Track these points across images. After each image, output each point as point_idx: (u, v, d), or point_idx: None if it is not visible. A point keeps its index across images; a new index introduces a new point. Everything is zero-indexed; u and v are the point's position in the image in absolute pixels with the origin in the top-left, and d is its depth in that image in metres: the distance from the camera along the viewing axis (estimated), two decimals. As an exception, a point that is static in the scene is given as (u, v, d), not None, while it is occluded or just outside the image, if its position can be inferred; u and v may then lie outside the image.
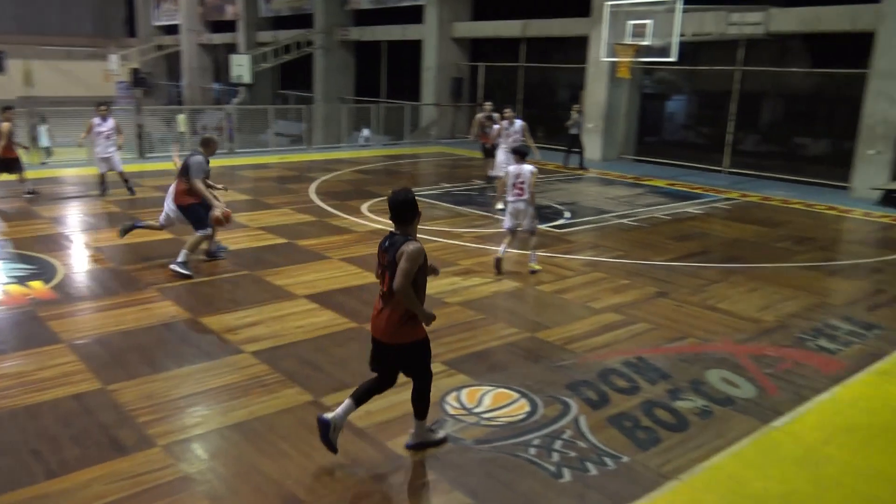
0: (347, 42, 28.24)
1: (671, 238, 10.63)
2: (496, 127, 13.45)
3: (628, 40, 15.29)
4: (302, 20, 29.54)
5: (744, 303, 7.69)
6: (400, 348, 4.35)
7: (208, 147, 8.22)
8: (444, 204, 12.69)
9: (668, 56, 14.70)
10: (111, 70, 37.38)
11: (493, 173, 12.78)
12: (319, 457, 4.45)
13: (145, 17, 42.60)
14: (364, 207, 12.18)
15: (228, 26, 34.55)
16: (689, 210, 12.92)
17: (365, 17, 27.63)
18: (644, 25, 14.90)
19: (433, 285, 7.89)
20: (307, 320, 6.82)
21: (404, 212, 4.24)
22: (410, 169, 18.26)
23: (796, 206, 13.57)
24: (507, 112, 12.70)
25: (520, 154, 8.69)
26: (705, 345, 6.48)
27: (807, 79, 17.07)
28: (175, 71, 40.92)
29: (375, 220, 11.24)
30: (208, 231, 8.19)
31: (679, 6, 14.25)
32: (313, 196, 13.08)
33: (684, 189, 15.22)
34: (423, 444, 4.61)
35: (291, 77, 31.25)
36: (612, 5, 15.46)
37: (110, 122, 12.57)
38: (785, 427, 5.01)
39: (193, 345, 6.19)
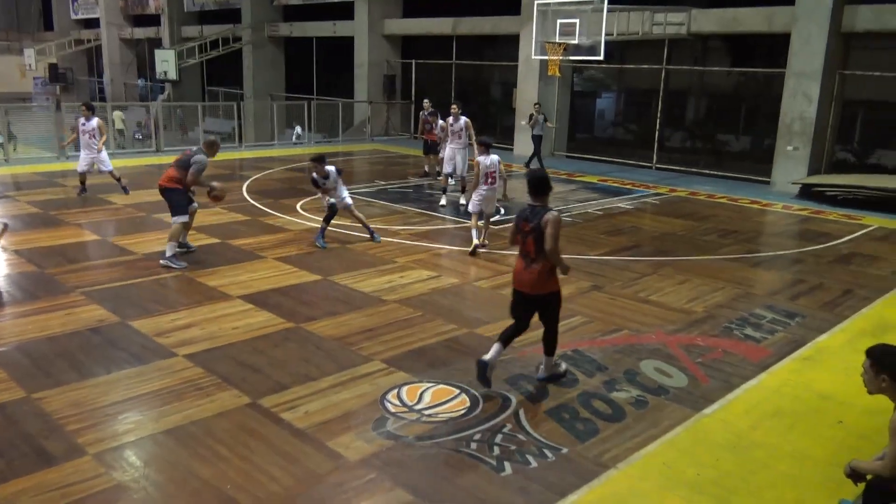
0: (277, 38, 27.78)
1: (604, 233, 10.86)
2: (441, 123, 13.49)
3: (557, 39, 15.53)
4: (229, 15, 28.90)
5: (674, 295, 7.92)
6: (543, 297, 5.31)
7: (212, 148, 8.55)
8: (380, 202, 12.63)
9: (596, 55, 15.00)
10: (27, 65, 35.75)
11: (446, 170, 12.81)
12: (259, 459, 4.37)
13: (62, 10, 40.84)
14: (298, 206, 12.01)
15: (152, 20, 33.49)
16: (621, 205, 13.23)
17: (294, 13, 27.24)
18: (572, 25, 15.17)
19: (370, 283, 7.91)
20: (243, 321, 6.68)
21: (542, 187, 5.26)
22: (345, 166, 18.02)
23: (721, 200, 14.06)
24: (453, 108, 12.75)
25: (485, 145, 9.38)
26: (639, 336, 6.65)
27: (729, 78, 17.72)
28: (96, 66, 39.42)
29: (310, 218, 11.10)
30: (185, 218, 8.39)
31: (605, 6, 14.55)
32: (246, 195, 12.82)
33: (615, 185, 15.57)
34: (552, 377, 5.58)
35: (220, 73, 30.54)
36: (540, 4, 15.67)
37: (93, 122, 12.24)
38: (715, 414, 5.19)
39: (123, 349, 5.99)
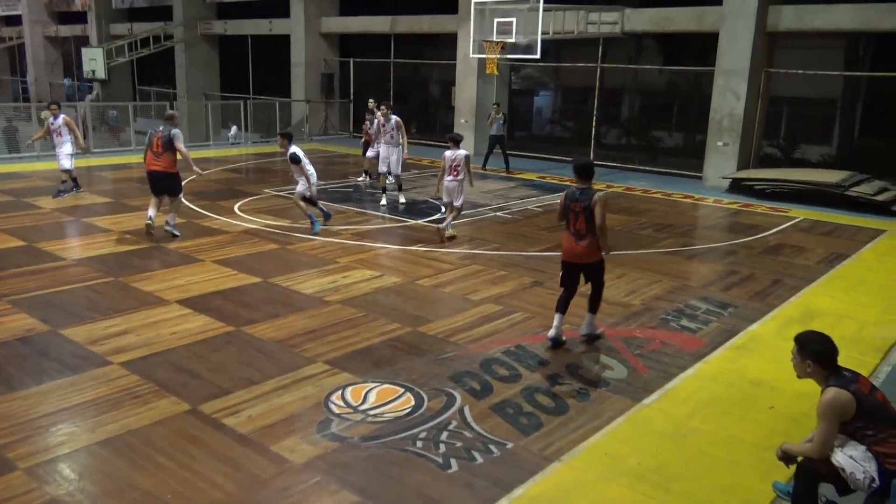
0: (210, 36, 27.18)
1: (544, 229, 11.00)
2: (376, 122, 13.43)
3: (494, 38, 15.64)
4: (160, 12, 28.13)
5: (613, 289, 8.06)
6: (592, 265, 6.25)
7: (175, 120, 9.79)
8: (320, 202, 12.47)
9: (532, 53, 15.16)
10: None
11: (381, 169, 12.72)
12: (200, 467, 4.28)
13: (-19, 7, 39.05)
14: (236, 207, 11.79)
15: (78, 18, 32.34)
16: (559, 202, 13.38)
17: (228, 11, 26.69)
18: (509, 23, 15.29)
19: (312, 284, 7.83)
20: (181, 326, 6.53)
21: (589, 172, 6.19)
22: (283, 167, 17.82)
23: (656, 195, 14.40)
24: (383, 108, 12.69)
25: (455, 141, 9.96)
26: (580, 330, 6.76)
27: (661, 76, 18.17)
28: (19, 65, 37.84)
29: (249, 219, 10.92)
30: (182, 194, 9.99)
31: (541, 5, 14.72)
32: (181, 197, 12.48)
33: (554, 182, 15.79)
34: (592, 336, 6.44)
35: (151, 72, 29.69)
36: (477, 3, 15.73)
37: (59, 120, 12.30)
38: (655, 404, 5.33)
39: (54, 359, 5.77)
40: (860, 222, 12.15)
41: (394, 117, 12.54)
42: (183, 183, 10.02)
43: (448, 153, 9.87)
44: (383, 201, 12.44)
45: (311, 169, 10.20)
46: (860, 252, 10.15)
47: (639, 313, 7.30)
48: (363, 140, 15.16)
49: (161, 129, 9.53)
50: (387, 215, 11.73)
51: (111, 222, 10.51)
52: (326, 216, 10.69)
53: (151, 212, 9.57)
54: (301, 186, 10.22)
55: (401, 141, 12.52)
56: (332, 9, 23.43)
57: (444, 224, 9.98)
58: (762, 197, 13.98)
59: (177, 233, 9.67)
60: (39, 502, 3.92)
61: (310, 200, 10.39)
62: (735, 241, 10.67)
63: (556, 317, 6.29)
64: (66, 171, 12.24)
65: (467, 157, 9.87)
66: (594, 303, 6.41)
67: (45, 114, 13.22)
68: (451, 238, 9.98)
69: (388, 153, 12.50)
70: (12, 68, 39.25)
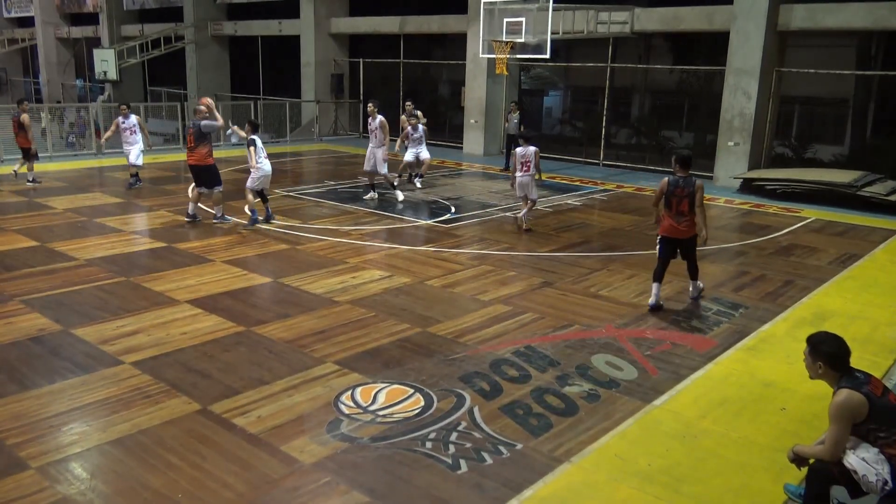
0: (221, 37, 27.31)
1: (554, 229, 10.98)
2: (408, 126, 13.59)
3: (504, 38, 15.62)
4: (171, 14, 28.28)
5: (623, 289, 8.06)
6: (689, 239, 7.31)
7: (199, 113, 10.44)
8: (330, 202, 12.53)
9: (542, 53, 15.13)
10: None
11: (365, 168, 12.79)
12: (211, 466, 4.30)
13: (-7, 9, 39.36)
14: (246, 208, 11.80)
15: (90, 19, 32.54)
16: (569, 202, 13.39)
17: (238, 12, 26.80)
18: (518, 23, 15.27)
19: (322, 284, 7.85)
20: (191, 326, 6.55)
21: (689, 162, 7.24)
22: (293, 167, 17.90)
23: (666, 195, 14.31)
24: (370, 106, 12.71)
25: (525, 139, 10.61)
26: (590, 331, 6.75)
27: (672, 75, 18.09)
28: (32, 66, 38.11)
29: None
30: (221, 187, 10.57)
31: (550, 5, 14.69)
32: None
33: (564, 182, 15.75)
34: (698, 296, 7.69)
35: (162, 73, 29.84)
36: (486, 3, 15.71)
37: (131, 120, 13.43)
38: (665, 405, 5.30)
39: (66, 359, 5.81)
40: (873, 222, 12.07)
41: (379, 117, 12.54)
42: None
43: (519, 149, 10.46)
44: (400, 196, 12.60)
45: (263, 165, 10.38)
46: (873, 252, 10.08)
47: (649, 314, 7.26)
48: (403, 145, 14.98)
49: (191, 123, 10.39)
50: (396, 215, 11.73)
51: (122, 222, 10.58)
52: (267, 218, 10.71)
53: (191, 206, 10.61)
54: (250, 180, 10.47)
55: (384, 141, 12.49)
56: (342, 9, 23.48)
57: (521, 214, 10.71)
58: (774, 197, 13.90)
59: (220, 218, 10.53)
60: (51, 501, 3.94)
61: (262, 195, 10.75)
62: (746, 241, 10.62)
63: (654, 286, 7.29)
64: (136, 167, 13.33)
65: (536, 152, 10.34)
66: (693, 272, 7.57)
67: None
68: (529, 230, 10.60)
69: (372, 154, 12.50)
70: (25, 69, 39.54)
